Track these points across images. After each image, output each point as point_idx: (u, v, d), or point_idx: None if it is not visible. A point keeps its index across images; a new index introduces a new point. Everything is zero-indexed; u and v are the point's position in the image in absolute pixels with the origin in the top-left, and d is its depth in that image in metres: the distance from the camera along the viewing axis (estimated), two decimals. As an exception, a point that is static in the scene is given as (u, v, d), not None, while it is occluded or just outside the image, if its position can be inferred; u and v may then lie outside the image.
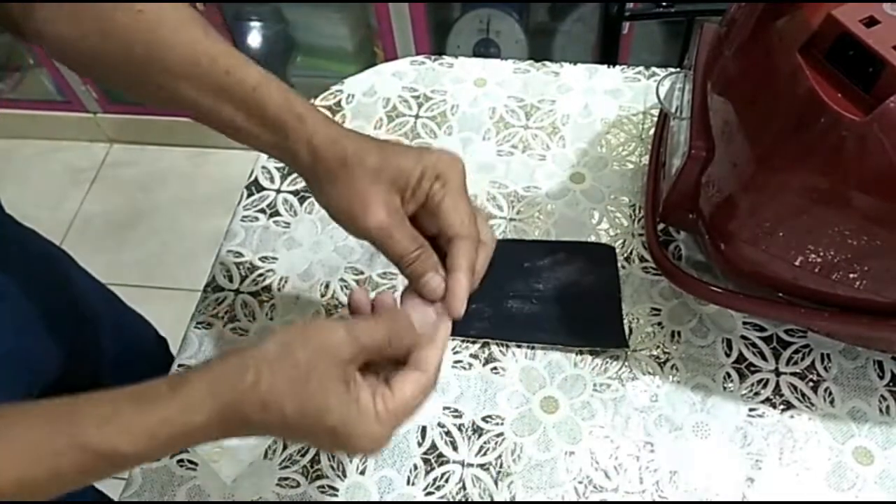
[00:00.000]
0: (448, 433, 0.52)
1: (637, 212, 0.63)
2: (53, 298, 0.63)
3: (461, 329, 0.56)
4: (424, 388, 0.40)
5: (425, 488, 0.50)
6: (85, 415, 0.36)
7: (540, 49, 1.44)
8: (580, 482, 0.50)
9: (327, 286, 0.60)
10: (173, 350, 0.83)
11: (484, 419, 0.53)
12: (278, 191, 0.67)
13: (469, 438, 0.52)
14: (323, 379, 0.37)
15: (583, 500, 0.49)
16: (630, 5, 1.14)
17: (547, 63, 0.74)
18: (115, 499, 0.52)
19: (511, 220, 0.63)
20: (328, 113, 0.72)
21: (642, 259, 0.60)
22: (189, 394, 0.36)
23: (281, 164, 0.68)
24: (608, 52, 1.20)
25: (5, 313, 0.55)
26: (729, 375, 0.54)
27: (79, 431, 0.35)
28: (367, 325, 0.40)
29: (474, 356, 0.56)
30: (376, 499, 0.50)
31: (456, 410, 0.53)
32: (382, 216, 0.42)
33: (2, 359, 0.54)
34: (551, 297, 0.57)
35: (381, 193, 0.43)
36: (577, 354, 0.55)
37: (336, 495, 0.50)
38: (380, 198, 0.43)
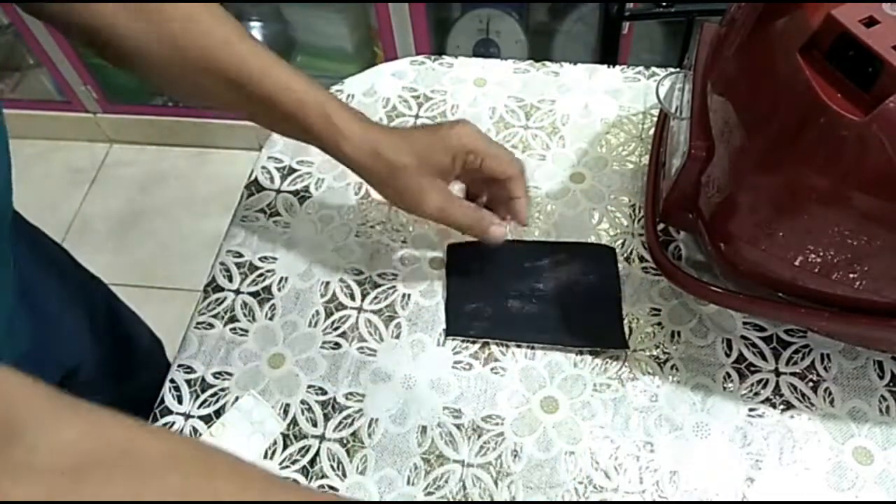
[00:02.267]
0: (448, 433, 0.52)
1: (637, 212, 0.63)
2: (64, 293, 0.63)
3: (461, 329, 0.56)
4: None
5: (425, 488, 0.50)
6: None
7: (540, 49, 1.44)
8: (580, 482, 0.50)
9: (327, 286, 0.60)
10: (169, 351, 0.83)
11: (484, 419, 0.53)
12: (278, 191, 0.67)
13: (469, 438, 0.52)
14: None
15: (583, 500, 0.49)
16: (630, 5, 1.14)
17: (547, 63, 0.74)
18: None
19: (511, 219, 0.63)
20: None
21: (642, 259, 0.60)
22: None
23: (281, 165, 0.69)
24: (608, 52, 1.21)
25: (24, 309, 0.55)
26: (729, 375, 0.54)
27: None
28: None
29: (474, 356, 0.56)
30: (376, 499, 0.50)
31: (456, 410, 0.53)
32: (436, 202, 0.52)
33: (24, 357, 0.54)
34: (551, 297, 0.57)
35: (428, 184, 0.52)
36: (577, 354, 0.55)
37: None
38: (429, 188, 0.52)
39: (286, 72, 0.51)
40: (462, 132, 0.52)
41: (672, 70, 0.61)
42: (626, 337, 0.55)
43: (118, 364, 0.73)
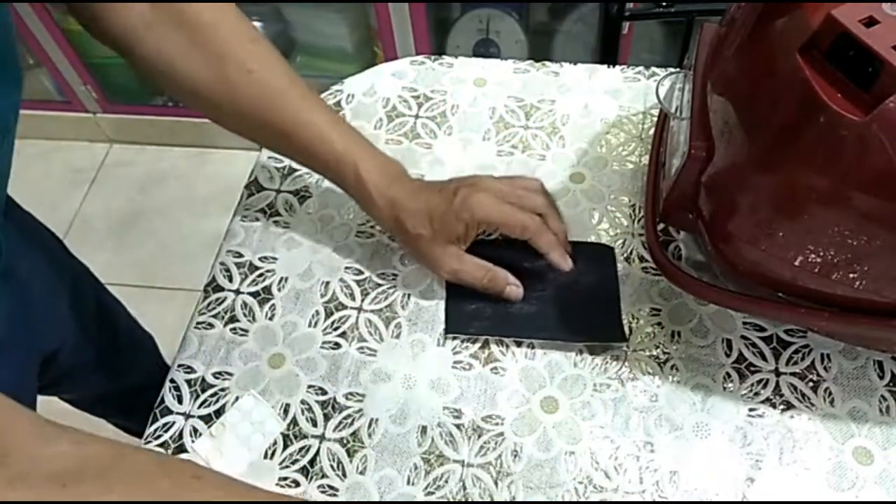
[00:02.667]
0: (448, 433, 0.52)
1: (637, 212, 0.63)
2: (50, 278, 0.64)
3: (461, 327, 0.56)
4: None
5: (425, 488, 0.50)
6: None
7: (540, 49, 1.44)
8: (580, 482, 0.50)
9: (327, 286, 0.60)
10: (169, 351, 0.83)
11: (484, 419, 0.53)
12: (278, 191, 0.67)
13: (469, 438, 0.52)
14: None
15: (583, 500, 0.49)
16: (630, 5, 1.14)
17: (547, 63, 0.74)
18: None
19: None
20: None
21: (642, 259, 0.60)
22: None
23: (281, 165, 0.69)
24: (608, 52, 1.21)
25: (13, 292, 0.56)
26: (729, 375, 0.54)
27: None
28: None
29: (474, 356, 0.56)
30: (376, 499, 0.50)
31: (456, 410, 0.53)
32: (449, 267, 0.56)
33: (8, 336, 0.55)
34: (551, 297, 0.57)
35: (441, 252, 0.56)
36: (577, 354, 0.55)
37: (336, 495, 0.50)
38: (443, 255, 0.56)
39: (327, 125, 0.55)
40: (474, 203, 0.53)
41: (672, 70, 0.61)
42: (626, 333, 0.55)
43: (106, 357, 0.74)
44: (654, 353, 0.55)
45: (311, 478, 0.51)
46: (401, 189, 0.56)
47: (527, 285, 0.58)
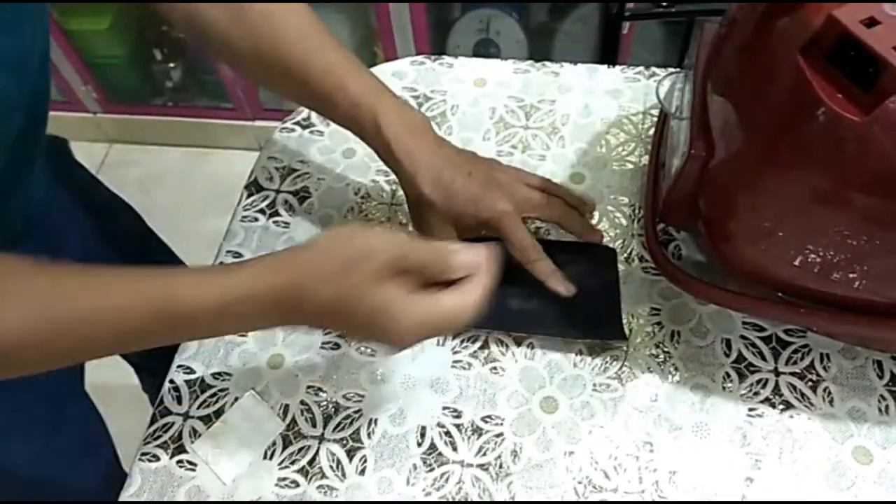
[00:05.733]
0: (447, 433, 0.52)
1: (637, 212, 0.63)
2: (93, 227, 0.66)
3: (461, 329, 0.56)
4: (457, 308, 0.42)
5: (425, 488, 0.50)
6: (155, 275, 0.41)
7: (540, 49, 1.44)
8: (580, 482, 0.50)
9: (327, 286, 0.60)
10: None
11: (483, 419, 0.53)
12: (278, 191, 0.67)
13: (469, 438, 0.52)
14: (359, 278, 0.40)
15: (583, 500, 0.49)
16: (630, 5, 1.14)
17: (547, 63, 0.74)
18: (116, 499, 0.52)
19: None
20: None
21: (642, 259, 0.60)
22: (250, 267, 0.41)
23: (281, 165, 0.68)
24: (608, 52, 1.21)
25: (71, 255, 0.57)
26: (728, 375, 0.54)
27: (149, 288, 0.40)
28: (418, 243, 0.42)
29: (474, 356, 0.56)
30: (376, 499, 0.50)
31: (455, 410, 0.53)
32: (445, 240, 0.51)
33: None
34: (551, 297, 0.57)
35: (440, 228, 0.54)
36: (576, 354, 0.55)
37: (336, 495, 0.50)
38: (440, 231, 0.54)
39: (346, 72, 0.52)
40: (504, 222, 0.53)
41: (672, 70, 0.61)
42: (626, 332, 0.55)
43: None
44: (654, 352, 0.55)
45: (311, 478, 0.51)
46: (422, 143, 0.53)
47: (527, 284, 0.58)
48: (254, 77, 0.57)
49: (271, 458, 0.52)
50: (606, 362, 0.55)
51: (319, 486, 0.51)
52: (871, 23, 0.38)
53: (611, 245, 0.60)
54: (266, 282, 0.41)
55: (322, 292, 0.40)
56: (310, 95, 0.54)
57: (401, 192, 0.65)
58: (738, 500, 0.49)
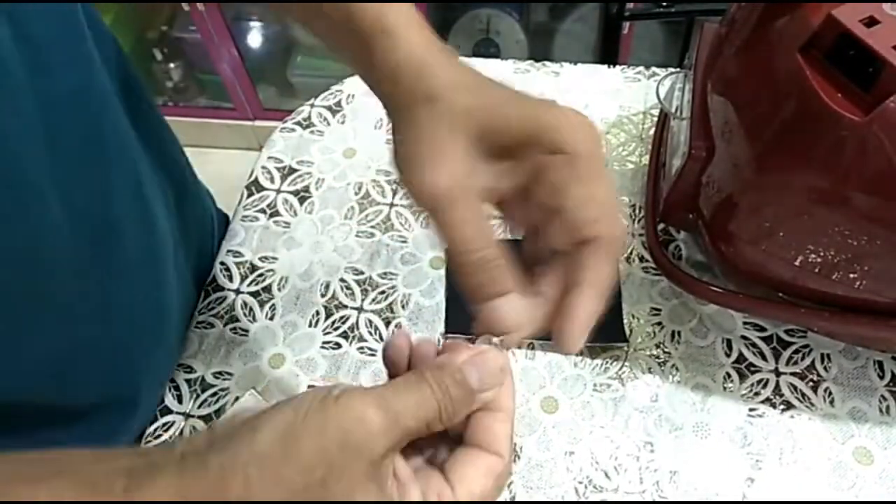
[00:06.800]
0: (448, 433, 0.52)
1: (637, 212, 0.63)
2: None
3: (461, 327, 0.56)
4: (499, 477, 0.29)
5: (425, 488, 0.50)
6: (17, 495, 0.25)
7: (540, 49, 1.44)
8: (580, 482, 0.50)
9: (327, 286, 0.60)
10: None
11: (484, 419, 0.53)
12: (278, 191, 0.67)
13: (469, 438, 0.52)
14: (346, 484, 0.26)
15: (583, 500, 0.49)
16: (630, 5, 1.14)
17: (547, 63, 0.74)
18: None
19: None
20: (329, 114, 0.72)
21: (642, 259, 0.60)
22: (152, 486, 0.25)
23: (281, 165, 0.68)
24: (608, 52, 1.21)
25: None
26: (729, 375, 0.54)
27: None
28: (408, 397, 0.28)
29: (474, 356, 0.56)
30: (376, 499, 0.50)
31: (456, 410, 0.53)
32: (447, 176, 0.30)
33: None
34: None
35: (459, 148, 0.30)
36: (576, 355, 0.55)
37: (336, 495, 0.50)
38: (456, 153, 0.30)
39: None
40: (572, 117, 0.31)
41: (672, 70, 0.61)
42: (626, 334, 0.55)
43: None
44: (654, 353, 0.55)
45: (311, 478, 0.51)
46: (439, 49, 0.35)
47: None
48: None
49: (272, 458, 0.52)
50: (607, 362, 0.55)
51: (320, 486, 0.51)
52: (870, 22, 0.38)
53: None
54: None
55: None
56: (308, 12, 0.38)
57: (401, 192, 0.65)
58: (739, 500, 0.49)
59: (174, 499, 0.25)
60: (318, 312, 0.59)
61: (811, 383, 0.53)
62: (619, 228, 0.32)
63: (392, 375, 0.34)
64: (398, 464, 0.28)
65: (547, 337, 0.56)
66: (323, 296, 0.60)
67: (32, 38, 0.35)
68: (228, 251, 0.63)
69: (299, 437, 0.25)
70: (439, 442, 0.30)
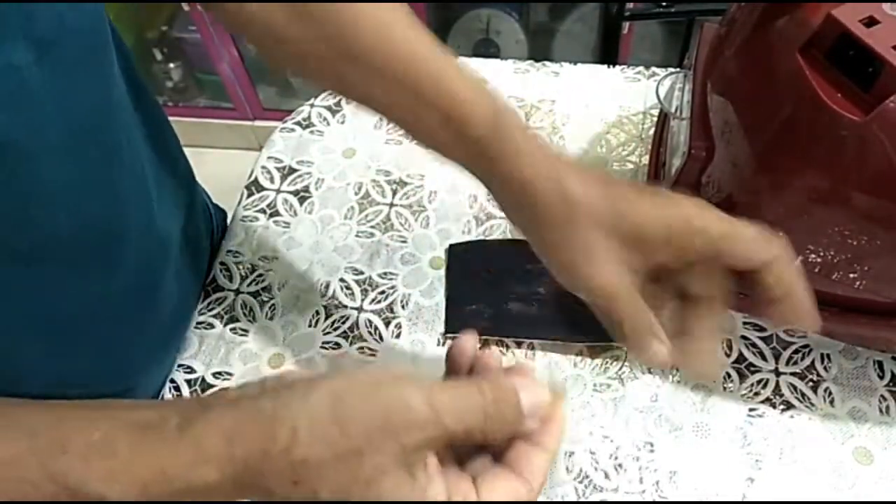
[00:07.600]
0: (448, 433, 0.52)
1: (637, 212, 0.62)
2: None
3: (461, 327, 0.56)
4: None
5: (425, 488, 0.50)
6: (72, 442, 0.28)
7: (540, 49, 1.44)
8: (580, 482, 0.50)
9: (327, 286, 0.60)
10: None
11: (484, 419, 0.53)
12: (278, 191, 0.67)
13: (469, 438, 0.52)
14: (380, 461, 0.27)
15: (583, 500, 0.49)
16: (630, 5, 1.14)
17: (547, 63, 0.74)
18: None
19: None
20: (329, 114, 0.72)
21: (642, 259, 0.60)
22: (201, 444, 0.28)
23: (281, 165, 0.68)
24: (608, 52, 1.21)
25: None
26: (729, 375, 0.54)
27: (60, 464, 0.28)
28: (456, 395, 0.29)
29: (474, 356, 0.56)
30: (376, 499, 0.50)
31: (456, 410, 0.53)
32: (609, 276, 0.35)
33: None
34: (552, 299, 0.57)
35: (612, 250, 0.35)
36: (576, 354, 0.55)
37: (336, 495, 0.50)
38: (610, 255, 0.35)
39: (445, 63, 0.37)
40: (696, 214, 0.35)
41: (672, 70, 0.61)
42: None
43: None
44: (654, 353, 0.55)
45: (311, 478, 0.51)
46: (558, 157, 0.36)
47: (527, 287, 0.58)
48: (321, 80, 0.41)
49: (271, 458, 0.52)
50: (607, 362, 0.55)
51: (320, 486, 0.51)
52: (870, 22, 0.38)
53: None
54: (223, 454, 0.27)
55: (320, 490, 0.27)
56: (391, 92, 0.38)
57: (401, 192, 0.65)
58: (739, 500, 0.49)
59: (225, 437, 0.27)
60: (317, 312, 0.59)
61: (811, 383, 0.53)
62: (777, 241, 0.36)
63: (449, 373, 0.36)
64: (432, 464, 0.29)
65: (547, 337, 0.56)
66: (323, 296, 0.60)
67: (59, 63, 0.34)
68: (228, 251, 0.63)
69: (349, 406, 0.28)
70: (478, 456, 0.32)
